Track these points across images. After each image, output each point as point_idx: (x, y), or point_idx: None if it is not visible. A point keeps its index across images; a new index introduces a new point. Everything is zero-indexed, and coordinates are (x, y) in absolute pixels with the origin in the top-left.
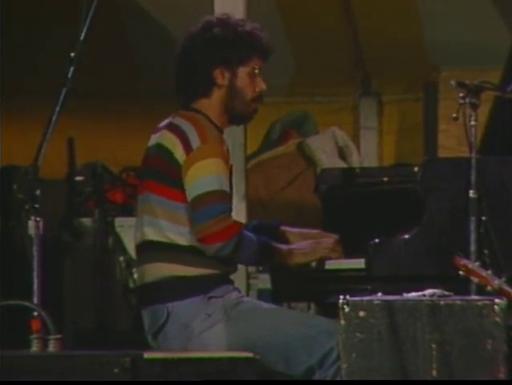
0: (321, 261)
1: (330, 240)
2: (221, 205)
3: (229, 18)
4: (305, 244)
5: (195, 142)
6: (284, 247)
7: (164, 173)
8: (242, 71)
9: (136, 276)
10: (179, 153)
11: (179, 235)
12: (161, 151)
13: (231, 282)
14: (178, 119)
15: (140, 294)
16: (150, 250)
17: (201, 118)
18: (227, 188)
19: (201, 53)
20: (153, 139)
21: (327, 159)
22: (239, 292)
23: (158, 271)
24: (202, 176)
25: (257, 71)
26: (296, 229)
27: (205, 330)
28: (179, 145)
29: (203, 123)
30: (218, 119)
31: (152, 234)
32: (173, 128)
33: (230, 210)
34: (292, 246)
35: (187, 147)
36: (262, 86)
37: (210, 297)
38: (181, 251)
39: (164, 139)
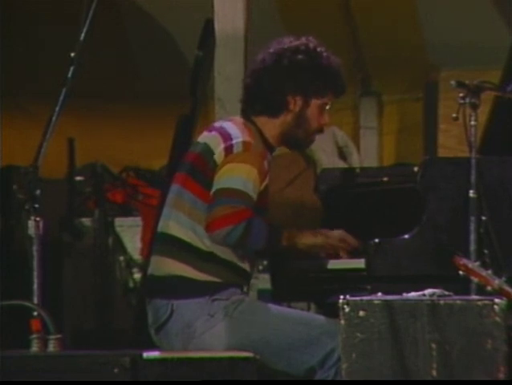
0: (326, 254)
1: (339, 233)
2: (238, 200)
3: (315, 48)
4: (316, 230)
5: (237, 148)
6: (293, 229)
7: (202, 173)
8: (315, 103)
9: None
10: (218, 153)
11: (202, 237)
12: (205, 150)
13: (240, 288)
14: (231, 124)
15: (147, 285)
16: (168, 244)
17: (254, 131)
18: (252, 194)
19: (281, 75)
20: (203, 137)
21: (327, 159)
22: (246, 295)
23: (168, 267)
24: (231, 175)
25: (328, 107)
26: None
27: (206, 331)
28: (221, 147)
29: (253, 135)
30: (274, 138)
31: (175, 229)
32: (223, 132)
33: (247, 208)
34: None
35: (228, 150)
36: (326, 120)
37: (214, 300)
38: (198, 254)
39: (211, 140)
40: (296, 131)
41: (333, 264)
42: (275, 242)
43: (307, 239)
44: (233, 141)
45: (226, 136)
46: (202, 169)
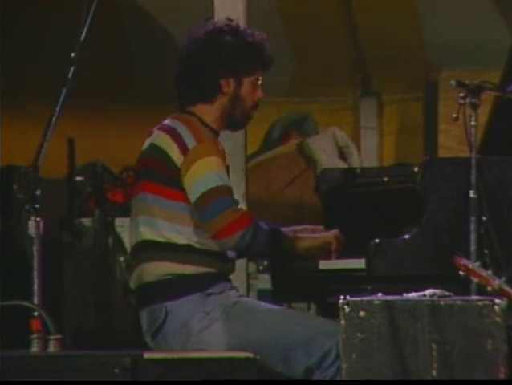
0: (321, 254)
1: (333, 232)
2: (228, 198)
3: (238, 26)
4: (310, 234)
5: (190, 142)
6: (290, 233)
7: (160, 173)
8: (247, 81)
9: (132, 277)
10: (175, 154)
11: (176, 234)
12: (156, 151)
13: (229, 281)
14: (172, 120)
15: (138, 295)
16: (147, 250)
17: (195, 120)
18: (230, 185)
19: (211, 60)
20: (147, 142)
21: (327, 159)
22: (237, 291)
23: (155, 270)
24: (203, 175)
25: (260, 82)
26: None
27: (203, 330)
28: (174, 147)
29: (196, 124)
30: (215, 123)
31: (148, 234)
32: (167, 130)
33: (238, 203)
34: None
35: (183, 148)
36: (260, 95)
37: (209, 294)
38: (178, 250)
39: (158, 140)
40: (234, 112)
41: (333, 264)
42: (277, 247)
43: (305, 243)
44: (184, 137)
45: (174, 134)
46: (159, 169)
